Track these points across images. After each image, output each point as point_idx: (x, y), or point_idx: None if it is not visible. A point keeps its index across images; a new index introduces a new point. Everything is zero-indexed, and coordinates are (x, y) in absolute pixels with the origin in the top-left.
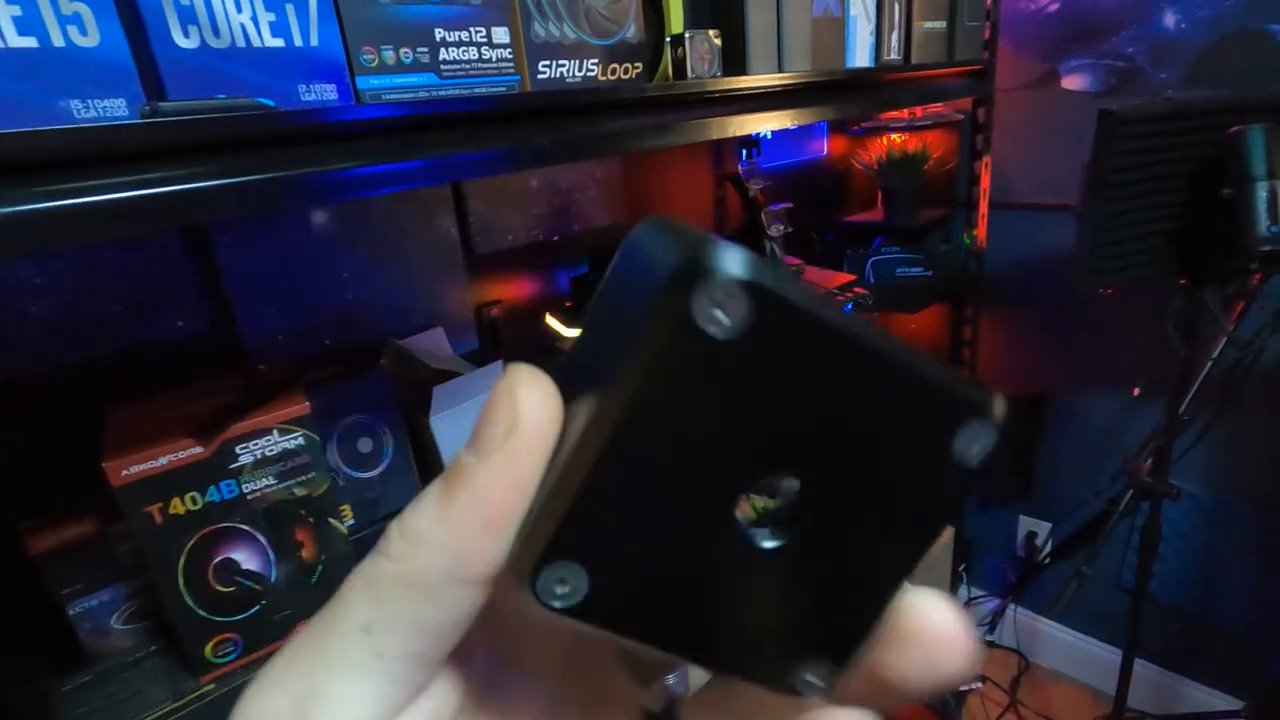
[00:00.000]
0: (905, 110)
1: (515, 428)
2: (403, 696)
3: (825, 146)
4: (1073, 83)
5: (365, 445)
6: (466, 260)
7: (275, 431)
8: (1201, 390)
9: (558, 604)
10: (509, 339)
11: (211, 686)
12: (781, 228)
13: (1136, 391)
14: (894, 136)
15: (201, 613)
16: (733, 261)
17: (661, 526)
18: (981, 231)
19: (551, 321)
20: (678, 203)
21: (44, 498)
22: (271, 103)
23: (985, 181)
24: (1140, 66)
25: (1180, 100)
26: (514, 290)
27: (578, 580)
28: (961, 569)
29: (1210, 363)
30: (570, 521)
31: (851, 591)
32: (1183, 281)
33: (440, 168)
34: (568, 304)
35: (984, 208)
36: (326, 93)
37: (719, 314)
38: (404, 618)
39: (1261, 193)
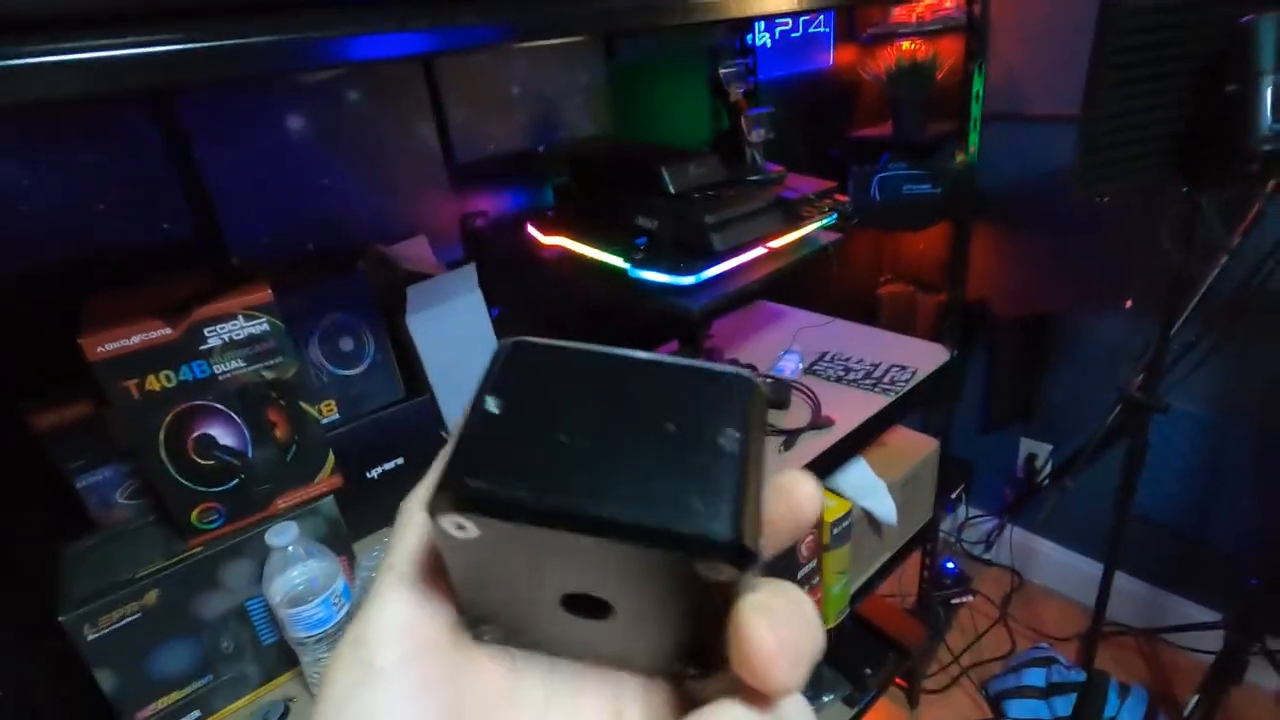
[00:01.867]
0: (913, 14)
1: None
2: (414, 592)
3: (831, 57)
4: None
5: (347, 344)
6: (449, 169)
7: (240, 316)
8: (1205, 308)
9: None
10: (493, 248)
11: (200, 549)
12: (763, 132)
13: (1129, 304)
14: (904, 45)
15: (184, 482)
16: (466, 494)
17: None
18: (974, 144)
19: (532, 231)
20: (672, 112)
21: (44, 383)
22: None
23: (979, 87)
24: None
25: None
26: (498, 200)
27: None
28: (960, 490)
29: (1211, 276)
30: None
31: (681, 634)
32: (1183, 188)
33: (419, 39)
34: (549, 213)
35: (977, 116)
36: None
37: (459, 531)
38: (401, 540)
39: (1268, 88)
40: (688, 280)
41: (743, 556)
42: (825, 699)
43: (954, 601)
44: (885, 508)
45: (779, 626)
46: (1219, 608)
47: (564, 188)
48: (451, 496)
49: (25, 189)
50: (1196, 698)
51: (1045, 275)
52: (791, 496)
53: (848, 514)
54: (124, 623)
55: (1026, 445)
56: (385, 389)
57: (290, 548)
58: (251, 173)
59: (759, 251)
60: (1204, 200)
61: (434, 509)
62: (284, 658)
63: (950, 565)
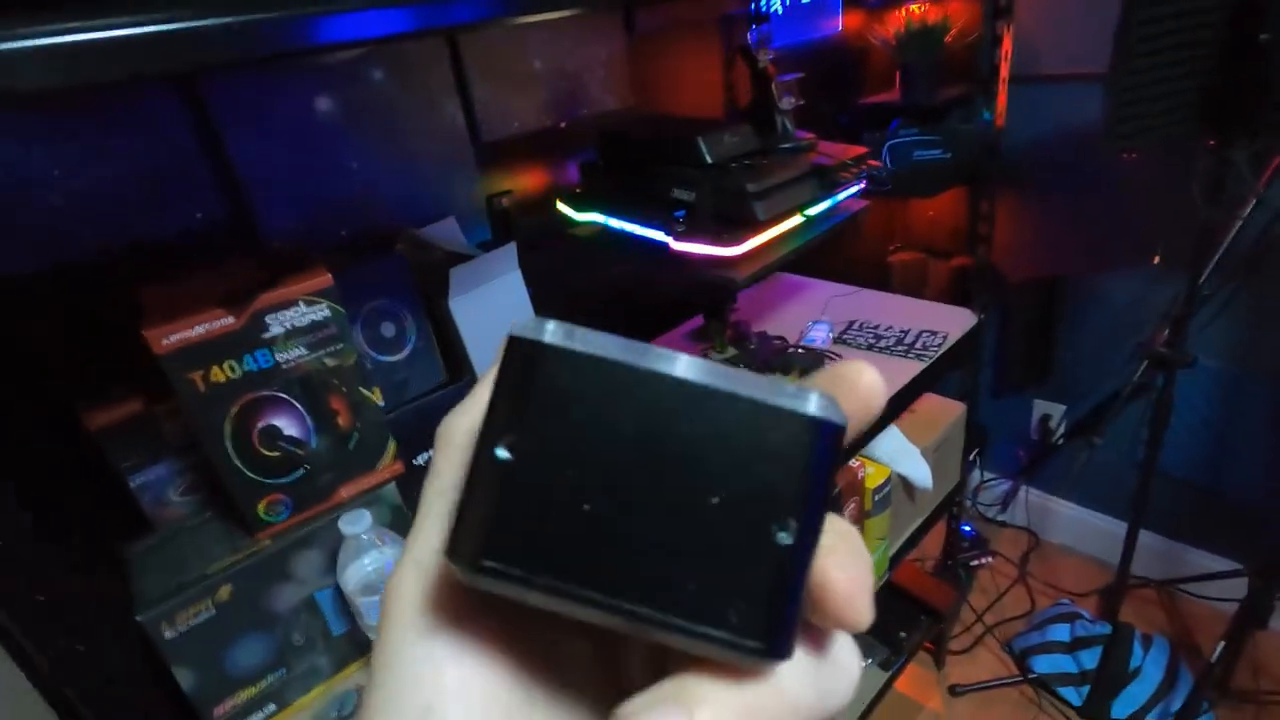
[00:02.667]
0: None
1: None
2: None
3: (840, 22)
4: None
5: (388, 330)
6: (475, 148)
7: (301, 303)
8: (1225, 260)
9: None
10: (521, 228)
11: (268, 543)
12: (793, 100)
13: (1156, 259)
14: (913, 8)
15: (251, 474)
16: (482, 570)
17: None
18: (1002, 104)
19: (562, 207)
20: (685, 85)
21: (92, 379)
22: None
23: (1007, 46)
24: None
25: None
26: (524, 179)
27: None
28: (974, 454)
29: (1237, 227)
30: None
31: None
32: (1211, 142)
33: (433, 12)
34: (578, 190)
35: (1005, 75)
36: None
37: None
38: (454, 465)
39: None
40: (732, 251)
41: (777, 656)
42: (864, 664)
43: (973, 563)
44: (921, 472)
45: (846, 566)
46: (1236, 557)
47: (591, 164)
48: (468, 566)
49: (56, 180)
50: (1223, 644)
51: (1060, 237)
52: (857, 388)
53: (887, 480)
54: (200, 619)
55: (1040, 406)
56: (428, 374)
57: (364, 535)
58: (281, 157)
59: (797, 220)
60: (1234, 153)
61: (452, 561)
62: (353, 647)
63: (966, 528)
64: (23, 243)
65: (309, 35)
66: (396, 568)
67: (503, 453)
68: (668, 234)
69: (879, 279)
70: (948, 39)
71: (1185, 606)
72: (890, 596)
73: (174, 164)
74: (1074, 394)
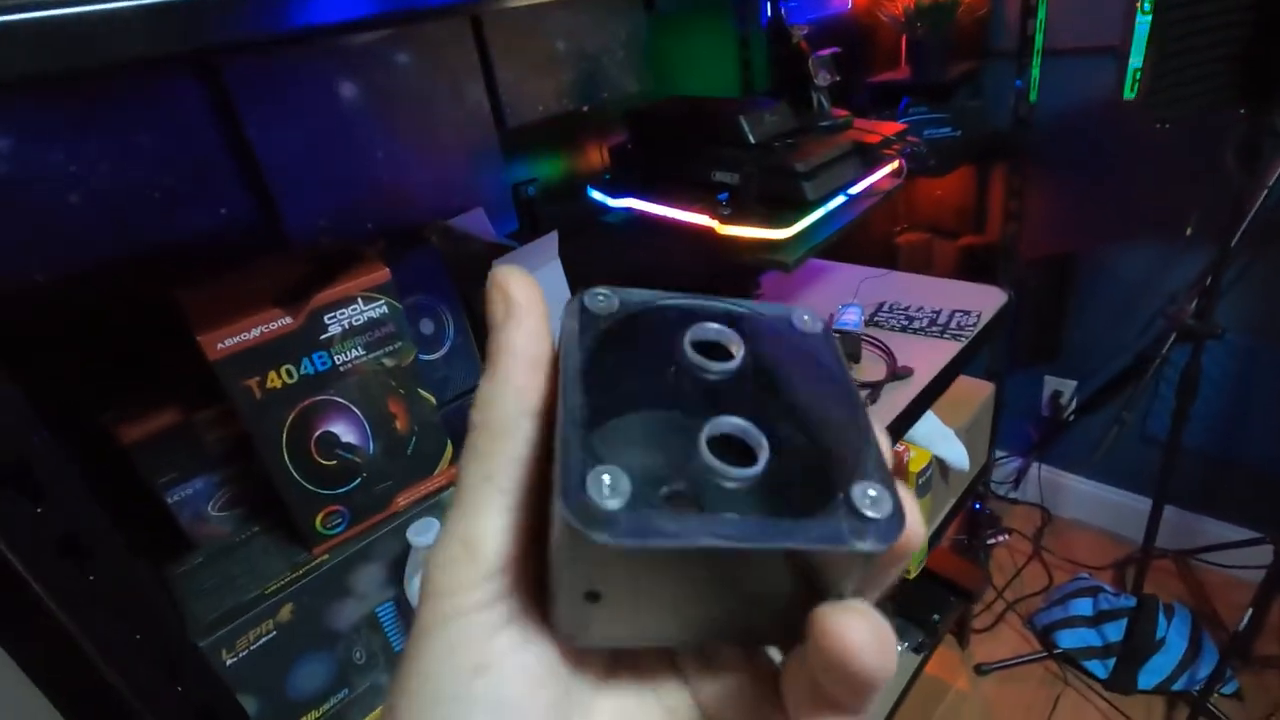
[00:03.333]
0: None
1: (510, 301)
2: (513, 516)
3: (849, 0)
4: None
5: (427, 327)
6: (499, 134)
7: (359, 299)
8: (1250, 230)
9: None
10: (548, 217)
11: (326, 557)
12: (829, 76)
13: (1189, 231)
14: None
15: (309, 485)
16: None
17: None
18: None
19: (596, 194)
20: (702, 66)
21: (122, 389)
22: None
23: (1043, 14)
24: None
25: None
26: (550, 166)
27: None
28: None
29: (1265, 192)
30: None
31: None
32: (1243, 111)
33: None
34: (608, 176)
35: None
36: None
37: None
38: (498, 451)
39: None
40: (784, 233)
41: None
42: (898, 649)
43: (990, 542)
44: (957, 454)
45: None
46: (1256, 526)
47: (621, 148)
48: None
49: (74, 178)
50: (1250, 611)
51: (1076, 213)
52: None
53: (929, 464)
54: (261, 642)
55: (1051, 383)
56: (467, 372)
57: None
58: (306, 148)
59: (840, 199)
60: (1274, 121)
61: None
62: None
63: (977, 506)
64: (38, 246)
65: (322, 9)
66: (440, 544)
67: (590, 598)
68: (712, 218)
69: (888, 260)
70: (957, 14)
71: (1203, 576)
72: (923, 580)
73: (197, 158)
74: (1084, 370)
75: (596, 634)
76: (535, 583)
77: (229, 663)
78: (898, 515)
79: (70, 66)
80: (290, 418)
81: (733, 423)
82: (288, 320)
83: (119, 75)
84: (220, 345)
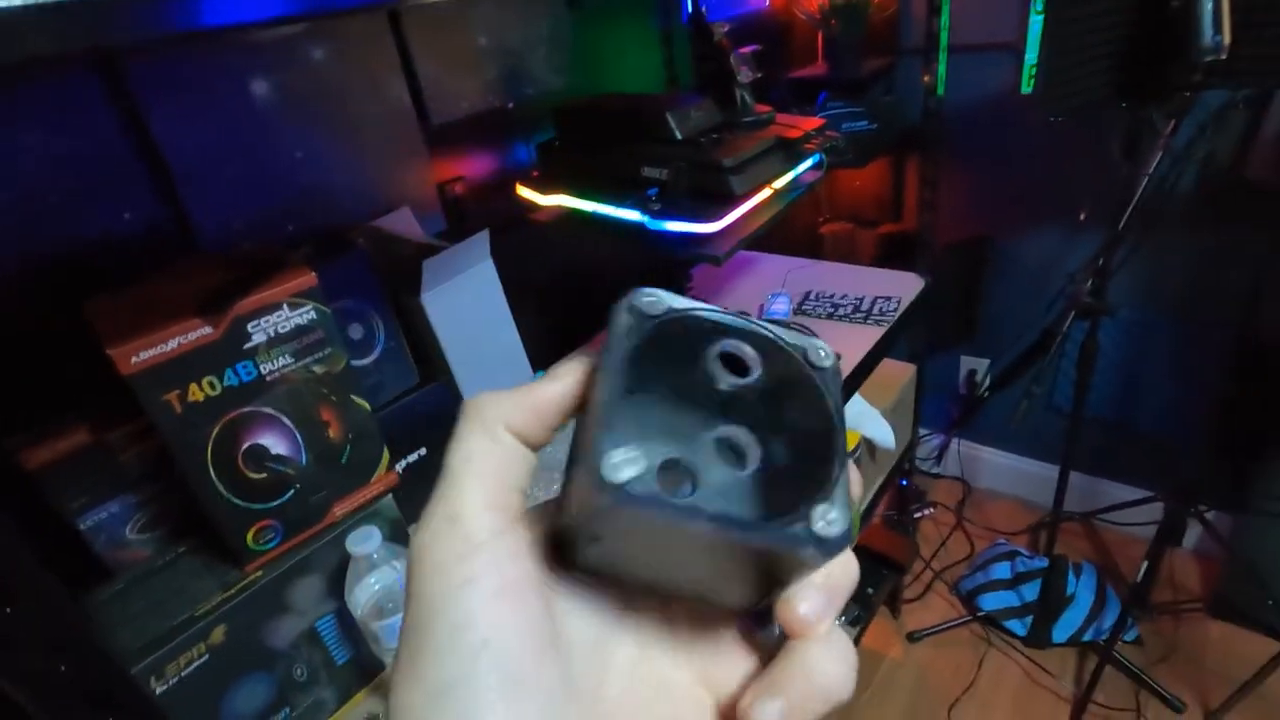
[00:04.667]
0: None
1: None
2: (493, 493)
3: None
4: None
5: (356, 331)
6: (424, 132)
7: (285, 306)
8: (1135, 213)
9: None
10: (476, 216)
11: (259, 574)
12: (751, 73)
13: (1082, 216)
14: None
15: (238, 501)
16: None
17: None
18: (942, 72)
19: (525, 192)
20: (626, 61)
21: (27, 410)
22: None
23: (946, 13)
24: None
25: None
26: (476, 164)
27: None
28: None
29: (1147, 178)
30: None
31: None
32: (1125, 106)
33: None
34: (537, 173)
35: (945, 45)
36: None
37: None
38: (478, 451)
39: (1208, 2)
40: (712, 227)
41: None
42: (837, 623)
43: (916, 515)
44: (884, 434)
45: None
46: (1148, 486)
47: (548, 144)
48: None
49: None
50: (1145, 564)
51: (983, 200)
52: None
53: (858, 445)
54: (193, 667)
55: (967, 362)
56: (400, 376)
57: (374, 554)
58: (217, 149)
59: (766, 193)
60: (1152, 114)
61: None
62: (358, 675)
63: (904, 482)
64: None
65: (231, 9)
66: (425, 525)
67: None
68: (643, 213)
69: (812, 250)
70: (869, 12)
71: (1105, 534)
72: (858, 557)
73: (97, 159)
74: (996, 349)
75: (593, 564)
76: (523, 552)
77: (159, 691)
78: (845, 538)
79: None
80: (215, 432)
81: (734, 430)
82: (208, 330)
83: (6, 70)
84: (135, 359)
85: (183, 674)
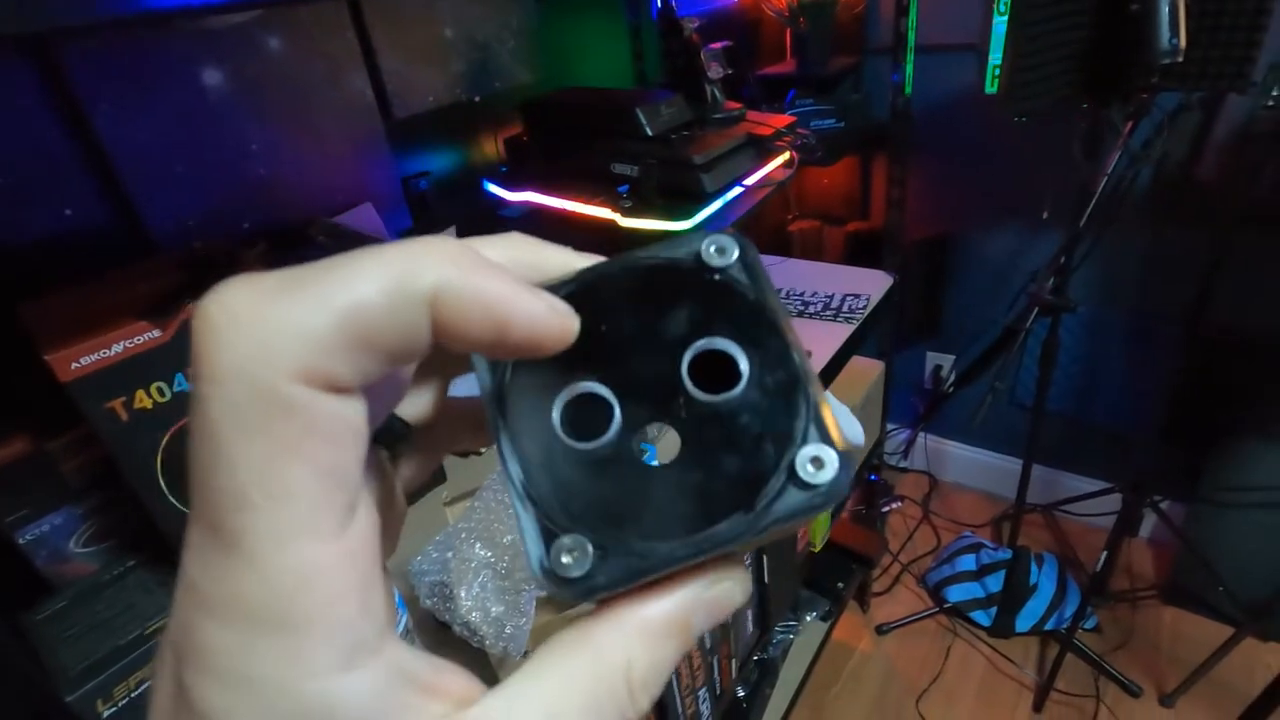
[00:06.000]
0: None
1: None
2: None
3: None
4: None
5: None
6: (386, 126)
7: None
8: (1096, 212)
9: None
10: (442, 212)
11: None
12: (721, 69)
13: (1045, 215)
14: None
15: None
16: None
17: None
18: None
19: (493, 188)
20: (595, 56)
21: None
22: None
23: (913, 13)
24: None
25: None
26: (442, 159)
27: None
28: None
29: (1106, 177)
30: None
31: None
32: (1086, 106)
33: None
34: (504, 169)
35: (912, 44)
36: None
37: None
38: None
39: (1165, 6)
40: (685, 225)
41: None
42: (807, 619)
43: (885, 509)
44: (854, 430)
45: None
46: (1105, 478)
47: (516, 140)
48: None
49: None
50: (1105, 554)
51: (949, 199)
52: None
53: None
54: (144, 688)
55: (932, 358)
56: None
57: None
58: (166, 142)
59: (737, 190)
60: (1111, 113)
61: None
62: None
63: (873, 477)
64: None
65: None
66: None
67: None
68: (614, 211)
69: (781, 248)
70: (836, 10)
71: (1066, 525)
72: (828, 552)
73: (33, 153)
74: (959, 344)
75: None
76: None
77: (107, 714)
78: (845, 468)
79: None
80: (165, 440)
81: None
82: (156, 333)
83: None
84: (75, 365)
85: (132, 695)
